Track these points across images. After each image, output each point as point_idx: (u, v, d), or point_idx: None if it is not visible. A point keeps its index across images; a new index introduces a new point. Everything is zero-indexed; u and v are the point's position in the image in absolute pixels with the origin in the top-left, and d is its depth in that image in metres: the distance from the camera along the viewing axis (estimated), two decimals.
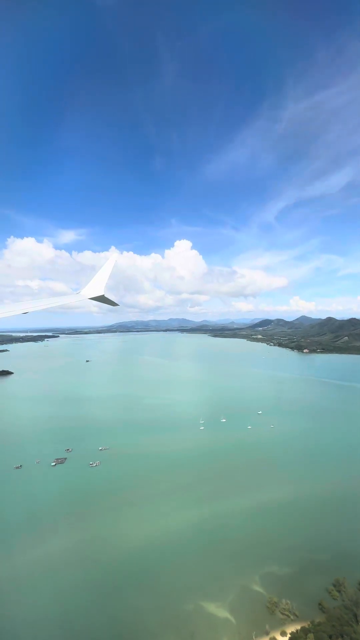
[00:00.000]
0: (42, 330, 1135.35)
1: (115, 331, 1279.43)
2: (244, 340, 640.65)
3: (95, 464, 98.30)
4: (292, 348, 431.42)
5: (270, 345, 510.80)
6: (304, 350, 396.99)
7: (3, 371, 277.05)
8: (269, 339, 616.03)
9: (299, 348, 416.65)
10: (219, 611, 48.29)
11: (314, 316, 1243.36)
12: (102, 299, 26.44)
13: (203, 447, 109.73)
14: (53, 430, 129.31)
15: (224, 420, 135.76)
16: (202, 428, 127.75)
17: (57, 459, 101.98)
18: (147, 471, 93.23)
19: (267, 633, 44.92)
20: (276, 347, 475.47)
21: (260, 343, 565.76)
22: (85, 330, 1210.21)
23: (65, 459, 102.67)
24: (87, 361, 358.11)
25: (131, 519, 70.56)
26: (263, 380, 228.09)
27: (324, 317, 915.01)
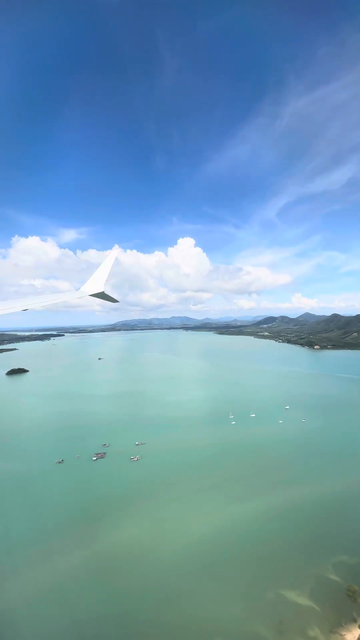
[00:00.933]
0: (46, 329, 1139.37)
1: (119, 329, 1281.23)
2: (251, 338, 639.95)
3: (136, 459, 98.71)
4: (302, 345, 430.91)
5: (279, 342, 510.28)
6: (315, 347, 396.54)
7: (19, 369, 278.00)
8: (275, 336, 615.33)
9: (309, 344, 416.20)
10: (301, 599, 48.57)
11: (317, 313, 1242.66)
12: (102, 295, 26.60)
13: (240, 441, 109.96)
14: (84, 426, 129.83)
15: (254, 416, 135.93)
16: (234, 423, 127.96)
17: (96, 454, 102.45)
18: (188, 465, 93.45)
19: (355, 620, 45.17)
20: (285, 344, 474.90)
21: (267, 340, 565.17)
22: (90, 329, 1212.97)
23: (105, 453, 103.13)
24: (99, 359, 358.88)
25: (185, 512, 70.81)
26: (281, 376, 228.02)
27: (326, 314, 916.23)
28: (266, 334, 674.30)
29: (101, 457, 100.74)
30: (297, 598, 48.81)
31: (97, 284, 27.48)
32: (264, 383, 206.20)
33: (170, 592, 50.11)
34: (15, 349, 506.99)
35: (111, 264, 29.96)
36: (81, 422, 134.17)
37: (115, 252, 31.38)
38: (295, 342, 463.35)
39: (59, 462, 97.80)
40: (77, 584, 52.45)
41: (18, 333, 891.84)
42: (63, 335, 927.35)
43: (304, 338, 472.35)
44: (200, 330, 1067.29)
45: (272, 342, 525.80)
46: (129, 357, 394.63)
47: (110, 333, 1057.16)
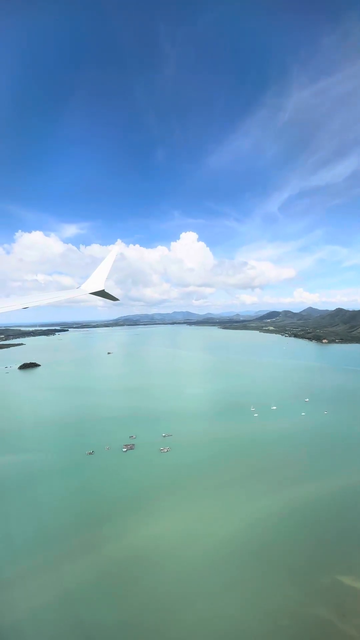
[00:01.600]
0: (49, 325, 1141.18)
1: (122, 324, 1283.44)
2: (256, 332, 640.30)
3: (165, 450, 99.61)
4: (309, 339, 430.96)
5: (285, 336, 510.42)
6: (323, 341, 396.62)
7: (31, 363, 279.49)
8: (281, 330, 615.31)
9: (317, 338, 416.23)
10: (358, 584, 49.29)
11: (320, 307, 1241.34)
12: (102, 293, 26.57)
13: (265, 433, 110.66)
14: (106, 418, 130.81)
15: (275, 408, 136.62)
16: (257, 415, 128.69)
17: (125, 445, 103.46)
18: (217, 457, 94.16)
19: None
20: (292, 338, 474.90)
21: (273, 334, 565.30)
22: (94, 324, 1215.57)
23: (134, 445, 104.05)
24: (108, 353, 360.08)
25: (222, 504, 71.32)
26: (294, 369, 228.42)
27: (328, 308, 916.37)
28: (271, 328, 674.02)
29: (131, 449, 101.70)
30: (355, 583, 49.56)
31: (97, 282, 27.45)
32: (278, 376, 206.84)
33: (206, 596, 49.55)
34: (22, 344, 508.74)
35: (112, 262, 29.83)
36: (103, 415, 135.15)
37: (116, 250, 31.35)
38: (302, 337, 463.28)
39: (90, 454, 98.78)
40: (107, 583, 51.60)
41: (22, 328, 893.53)
42: (67, 330, 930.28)
43: (310, 332, 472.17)
44: (203, 325, 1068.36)
45: (278, 336, 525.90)
46: (137, 351, 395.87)
47: (114, 328, 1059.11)
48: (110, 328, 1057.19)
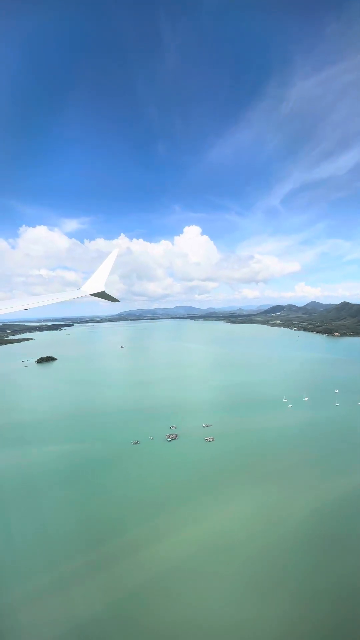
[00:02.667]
0: (52, 320, 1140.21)
1: (126, 319, 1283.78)
2: (264, 326, 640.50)
3: (210, 439, 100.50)
4: (320, 332, 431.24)
5: (294, 329, 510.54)
6: (335, 334, 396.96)
7: (47, 357, 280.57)
8: (288, 324, 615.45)
9: (328, 332, 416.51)
10: None
11: (322, 302, 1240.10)
12: (102, 294, 26.59)
13: (303, 423, 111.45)
14: (141, 409, 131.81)
15: (307, 399, 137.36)
16: (291, 406, 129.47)
17: (169, 435, 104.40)
18: (260, 447, 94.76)
19: None
20: (301, 332, 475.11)
21: (281, 328, 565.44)
22: (98, 319, 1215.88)
23: (177, 435, 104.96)
24: (121, 347, 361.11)
25: (288, 489, 72.16)
26: (315, 362, 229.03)
27: (331, 302, 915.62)
28: (278, 322, 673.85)
29: (174, 438, 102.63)
30: None
31: (98, 283, 27.47)
32: (301, 368, 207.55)
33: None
34: (31, 339, 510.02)
35: (112, 263, 29.79)
36: (138, 406, 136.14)
37: (116, 251, 31.27)
38: (311, 330, 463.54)
39: (135, 443, 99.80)
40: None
41: (27, 324, 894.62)
42: (72, 325, 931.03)
43: (320, 326, 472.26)
44: (207, 320, 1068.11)
45: (287, 330, 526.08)
46: (149, 345, 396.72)
47: (119, 323, 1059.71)
48: (114, 323, 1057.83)
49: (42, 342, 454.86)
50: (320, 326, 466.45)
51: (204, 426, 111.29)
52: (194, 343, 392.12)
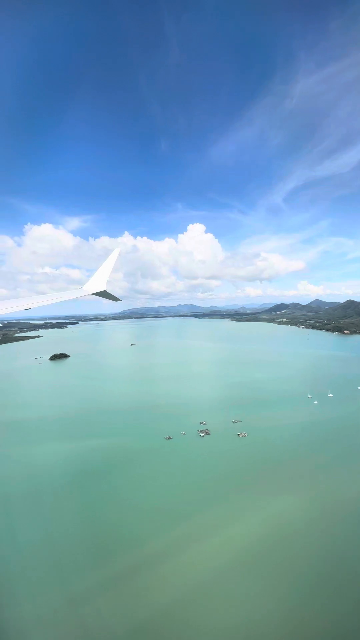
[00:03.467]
0: (55, 318, 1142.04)
1: (130, 317, 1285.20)
2: (270, 324, 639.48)
3: (243, 434, 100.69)
4: (329, 330, 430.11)
5: (302, 327, 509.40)
6: (345, 332, 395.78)
7: (61, 354, 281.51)
8: (294, 322, 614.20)
9: (337, 330, 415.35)
10: None
11: (325, 300, 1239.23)
12: (104, 294, 26.72)
13: (331, 419, 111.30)
14: (167, 405, 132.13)
15: (331, 395, 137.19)
16: (316, 402, 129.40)
17: (201, 430, 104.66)
18: (293, 442, 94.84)
19: None
20: (309, 330, 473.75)
21: (289, 326, 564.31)
22: (102, 317, 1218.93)
23: (208, 430, 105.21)
24: (131, 344, 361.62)
25: (327, 485, 72.11)
26: (331, 359, 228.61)
27: (334, 300, 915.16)
28: (284, 320, 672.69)
29: (207, 434, 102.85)
30: None
31: (99, 282, 27.58)
32: (319, 364, 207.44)
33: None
34: (39, 336, 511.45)
35: (113, 263, 30.00)
36: (162, 402, 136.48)
37: (117, 250, 31.43)
38: (320, 328, 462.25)
39: (168, 438, 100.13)
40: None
41: (31, 321, 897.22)
42: (77, 323, 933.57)
43: (328, 324, 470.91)
44: (211, 318, 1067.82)
45: (295, 328, 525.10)
46: (159, 342, 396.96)
47: (123, 321, 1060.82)
48: (119, 321, 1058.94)
49: (51, 340, 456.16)
50: (329, 324, 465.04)
51: (234, 422, 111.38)
52: (204, 341, 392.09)
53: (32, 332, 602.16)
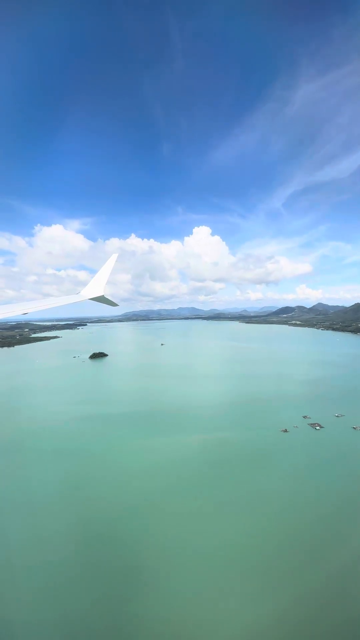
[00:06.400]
0: (57, 320, 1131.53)
1: (135, 319, 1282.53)
2: (285, 326, 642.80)
3: (358, 427, 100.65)
4: (351, 332, 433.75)
5: (321, 329, 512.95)
6: None
7: (99, 353, 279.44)
8: (308, 324, 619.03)
9: (359, 331, 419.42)
10: None
11: (329, 303, 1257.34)
12: (101, 299, 27.01)
13: None
14: (257, 401, 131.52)
15: None
16: None
17: (312, 424, 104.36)
18: None
19: None
20: (328, 332, 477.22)
21: (304, 328, 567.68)
22: (107, 319, 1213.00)
23: (318, 423, 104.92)
24: (161, 344, 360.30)
25: None
26: None
27: (335, 304, 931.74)
28: (298, 322, 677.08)
29: (320, 427, 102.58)
30: None
31: (97, 288, 27.76)
32: None
33: None
34: (58, 337, 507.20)
35: (110, 269, 30.30)
36: (252, 398, 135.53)
37: (116, 256, 31.66)
38: (340, 330, 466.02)
39: (284, 431, 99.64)
40: None
41: (39, 323, 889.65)
42: (85, 324, 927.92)
43: (349, 326, 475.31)
44: (217, 320, 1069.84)
45: (313, 330, 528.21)
46: (188, 343, 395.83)
47: (130, 323, 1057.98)
48: (126, 323, 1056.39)
49: (72, 340, 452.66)
50: (350, 326, 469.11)
51: (337, 416, 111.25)
52: (232, 341, 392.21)
53: (45, 333, 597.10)
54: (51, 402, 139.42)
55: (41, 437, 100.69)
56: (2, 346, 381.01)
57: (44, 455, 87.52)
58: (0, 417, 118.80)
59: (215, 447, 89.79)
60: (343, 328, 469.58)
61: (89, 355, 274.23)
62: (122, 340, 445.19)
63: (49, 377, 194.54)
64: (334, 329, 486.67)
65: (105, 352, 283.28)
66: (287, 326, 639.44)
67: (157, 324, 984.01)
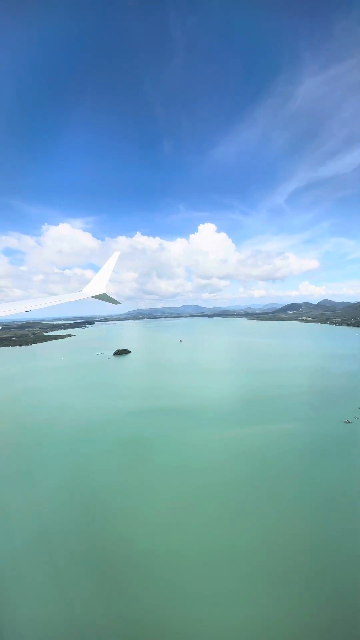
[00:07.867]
0: (61, 319, 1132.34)
1: (141, 318, 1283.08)
2: (296, 322, 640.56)
3: None
4: None
5: (335, 325, 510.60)
6: None
7: (123, 350, 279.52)
8: (319, 320, 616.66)
9: None
10: None
11: (335, 300, 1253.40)
12: (103, 297, 27.22)
13: None
14: (301, 394, 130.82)
15: None
16: None
17: None
18: None
19: None
20: (343, 327, 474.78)
21: (318, 324, 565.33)
22: (114, 318, 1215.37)
23: None
24: (180, 341, 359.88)
25: None
26: None
27: (339, 300, 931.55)
28: (309, 318, 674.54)
29: None
30: None
31: (99, 286, 27.93)
32: None
33: None
34: (71, 335, 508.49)
35: (112, 267, 30.40)
36: (297, 391, 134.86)
37: (117, 254, 31.58)
38: (356, 325, 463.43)
39: (347, 422, 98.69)
40: None
41: (47, 322, 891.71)
42: (93, 323, 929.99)
43: None
44: (224, 317, 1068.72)
45: (326, 325, 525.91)
46: (205, 339, 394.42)
47: (137, 321, 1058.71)
48: (132, 321, 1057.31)
49: (87, 338, 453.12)
50: None
51: None
52: (250, 337, 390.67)
53: (57, 331, 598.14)
54: (95, 397, 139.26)
55: (105, 430, 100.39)
56: (20, 344, 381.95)
57: (112, 446, 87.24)
58: (60, 413, 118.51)
59: (279, 439, 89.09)
60: (358, 323, 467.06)
61: (112, 353, 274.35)
62: (137, 338, 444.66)
63: (81, 373, 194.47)
64: (348, 325, 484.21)
65: (128, 349, 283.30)
66: (298, 322, 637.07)
67: (165, 321, 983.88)
